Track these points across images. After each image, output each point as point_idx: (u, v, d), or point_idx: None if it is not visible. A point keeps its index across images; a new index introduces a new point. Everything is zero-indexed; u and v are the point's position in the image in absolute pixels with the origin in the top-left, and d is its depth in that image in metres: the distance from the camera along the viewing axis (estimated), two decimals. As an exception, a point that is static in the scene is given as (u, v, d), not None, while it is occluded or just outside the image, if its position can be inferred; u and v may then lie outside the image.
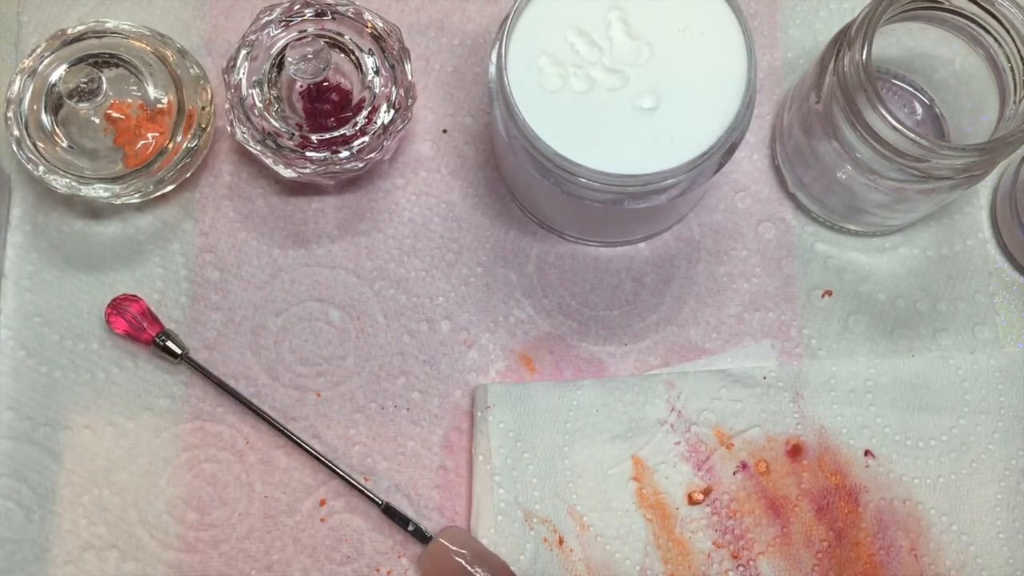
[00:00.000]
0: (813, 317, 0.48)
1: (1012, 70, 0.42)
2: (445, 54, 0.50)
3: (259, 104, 0.44)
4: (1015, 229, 0.47)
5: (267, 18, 0.45)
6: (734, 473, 0.46)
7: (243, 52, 0.45)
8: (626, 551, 0.45)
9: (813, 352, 0.48)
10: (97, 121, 0.45)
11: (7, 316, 0.48)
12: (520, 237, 0.49)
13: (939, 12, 0.42)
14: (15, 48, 0.50)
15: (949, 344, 0.48)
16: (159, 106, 0.46)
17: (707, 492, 0.46)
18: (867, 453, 0.46)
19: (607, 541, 0.45)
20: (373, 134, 0.44)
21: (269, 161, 0.45)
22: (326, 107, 0.45)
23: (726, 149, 0.39)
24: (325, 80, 0.45)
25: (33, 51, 0.45)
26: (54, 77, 0.45)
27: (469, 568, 0.43)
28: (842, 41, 0.41)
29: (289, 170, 0.45)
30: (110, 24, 0.46)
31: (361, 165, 0.45)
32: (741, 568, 0.45)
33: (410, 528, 0.45)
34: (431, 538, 0.44)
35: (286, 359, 0.47)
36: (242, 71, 0.45)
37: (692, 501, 0.46)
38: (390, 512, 0.45)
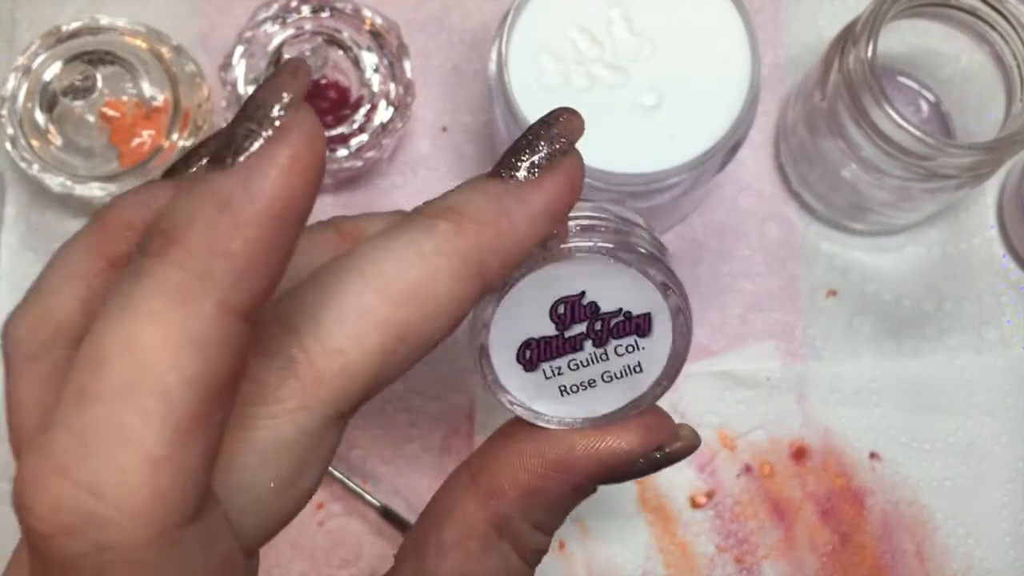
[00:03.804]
0: (818, 317, 0.47)
1: (1018, 67, 0.41)
2: (444, 51, 0.50)
3: (256, 102, 0.44)
4: (1022, 228, 0.46)
5: (264, 15, 0.45)
6: (737, 476, 0.46)
7: (239, 49, 0.44)
8: (628, 555, 0.45)
9: (817, 353, 0.47)
10: (92, 119, 0.45)
11: (3, 317, 0.47)
12: (520, 237, 0.48)
13: (944, 9, 0.42)
14: (9, 45, 0.49)
15: (955, 345, 0.47)
16: (154, 104, 0.45)
17: (710, 495, 0.45)
18: (872, 455, 0.46)
19: (609, 545, 0.45)
20: (372, 132, 0.44)
21: (266, 160, 0.44)
22: (324, 105, 0.45)
23: (729, 147, 0.39)
24: (323, 77, 0.44)
25: (27, 48, 0.45)
26: (48, 75, 0.44)
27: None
28: (847, 38, 0.40)
29: (286, 169, 0.44)
30: (105, 21, 0.46)
31: (360, 164, 0.44)
32: (745, 572, 0.45)
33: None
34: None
35: (284, 360, 0.47)
36: (239, 68, 0.44)
37: (695, 504, 0.45)
38: (389, 516, 0.45)
